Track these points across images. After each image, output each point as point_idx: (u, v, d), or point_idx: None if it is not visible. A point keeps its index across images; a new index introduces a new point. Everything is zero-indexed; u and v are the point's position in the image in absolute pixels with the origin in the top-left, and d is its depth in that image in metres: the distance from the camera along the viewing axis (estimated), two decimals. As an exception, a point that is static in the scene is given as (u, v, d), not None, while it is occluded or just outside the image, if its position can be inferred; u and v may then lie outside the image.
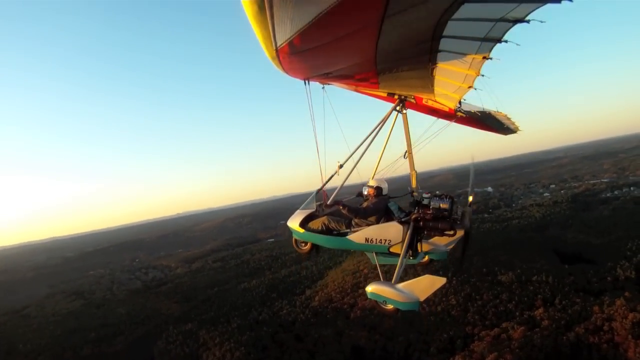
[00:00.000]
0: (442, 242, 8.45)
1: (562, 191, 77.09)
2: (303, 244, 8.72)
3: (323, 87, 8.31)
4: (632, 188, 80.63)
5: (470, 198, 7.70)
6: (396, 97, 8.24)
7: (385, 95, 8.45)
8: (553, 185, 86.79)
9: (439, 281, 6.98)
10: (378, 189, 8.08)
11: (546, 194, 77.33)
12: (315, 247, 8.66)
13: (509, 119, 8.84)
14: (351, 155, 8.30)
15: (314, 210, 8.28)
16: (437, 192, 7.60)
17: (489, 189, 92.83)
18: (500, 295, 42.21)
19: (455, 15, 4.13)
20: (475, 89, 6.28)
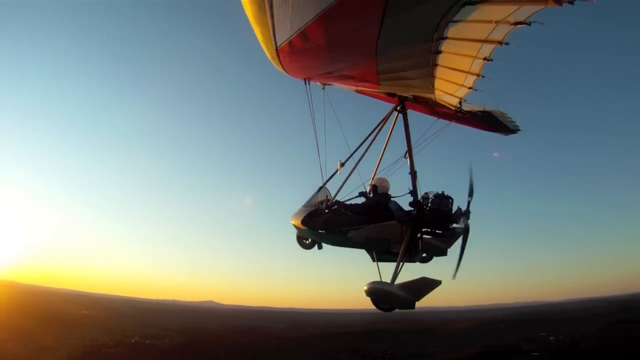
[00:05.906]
0: (441, 242, 8.48)
1: None
2: (306, 240, 8.83)
3: (323, 87, 8.31)
4: None
5: (470, 199, 7.70)
6: (396, 97, 8.23)
7: (385, 95, 8.43)
8: None
9: (435, 282, 7.01)
10: (379, 187, 8.08)
11: None
12: (317, 244, 8.72)
13: (509, 118, 8.82)
14: (352, 154, 8.31)
15: (316, 207, 8.30)
16: (437, 191, 7.60)
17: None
18: None
19: (456, 17, 4.12)
20: (476, 89, 6.27)
